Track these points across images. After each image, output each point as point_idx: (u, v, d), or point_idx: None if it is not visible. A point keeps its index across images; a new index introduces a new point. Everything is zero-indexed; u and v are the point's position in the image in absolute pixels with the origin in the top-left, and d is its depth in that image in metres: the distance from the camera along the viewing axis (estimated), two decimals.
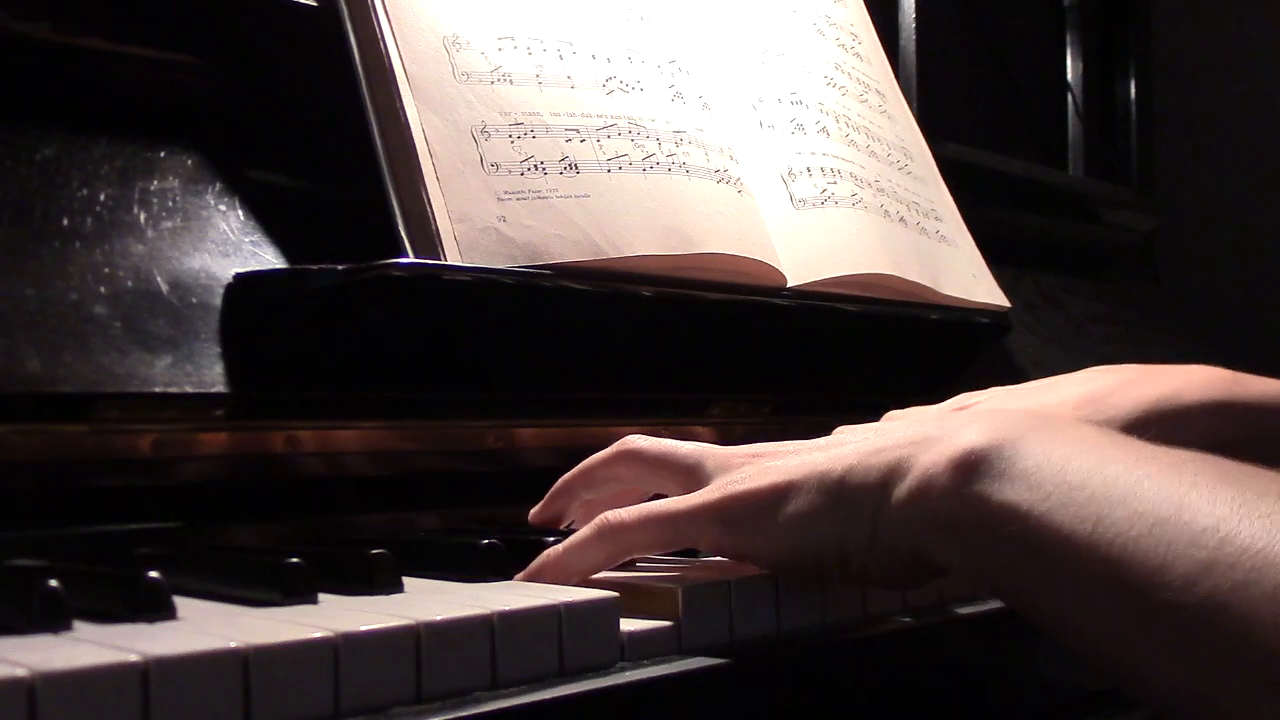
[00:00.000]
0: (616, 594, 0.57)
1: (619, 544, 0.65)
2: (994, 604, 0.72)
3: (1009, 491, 0.56)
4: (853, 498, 0.61)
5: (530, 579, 0.64)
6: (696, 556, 0.73)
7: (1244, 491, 0.52)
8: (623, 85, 0.90)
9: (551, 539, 0.67)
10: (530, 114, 0.84)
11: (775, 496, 0.62)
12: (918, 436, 0.61)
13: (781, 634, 0.64)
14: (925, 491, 0.58)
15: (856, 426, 0.69)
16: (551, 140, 0.84)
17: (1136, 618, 0.52)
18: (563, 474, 0.74)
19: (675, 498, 0.66)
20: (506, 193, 0.80)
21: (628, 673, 0.55)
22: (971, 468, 0.57)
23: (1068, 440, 0.58)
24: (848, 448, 0.63)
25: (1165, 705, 0.54)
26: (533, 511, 0.75)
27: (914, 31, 1.41)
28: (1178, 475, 0.54)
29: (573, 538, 0.66)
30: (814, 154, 1.04)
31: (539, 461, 0.90)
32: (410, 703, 0.49)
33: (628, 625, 0.57)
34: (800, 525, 0.62)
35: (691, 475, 0.67)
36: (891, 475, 0.60)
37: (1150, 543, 0.52)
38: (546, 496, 0.74)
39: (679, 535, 0.65)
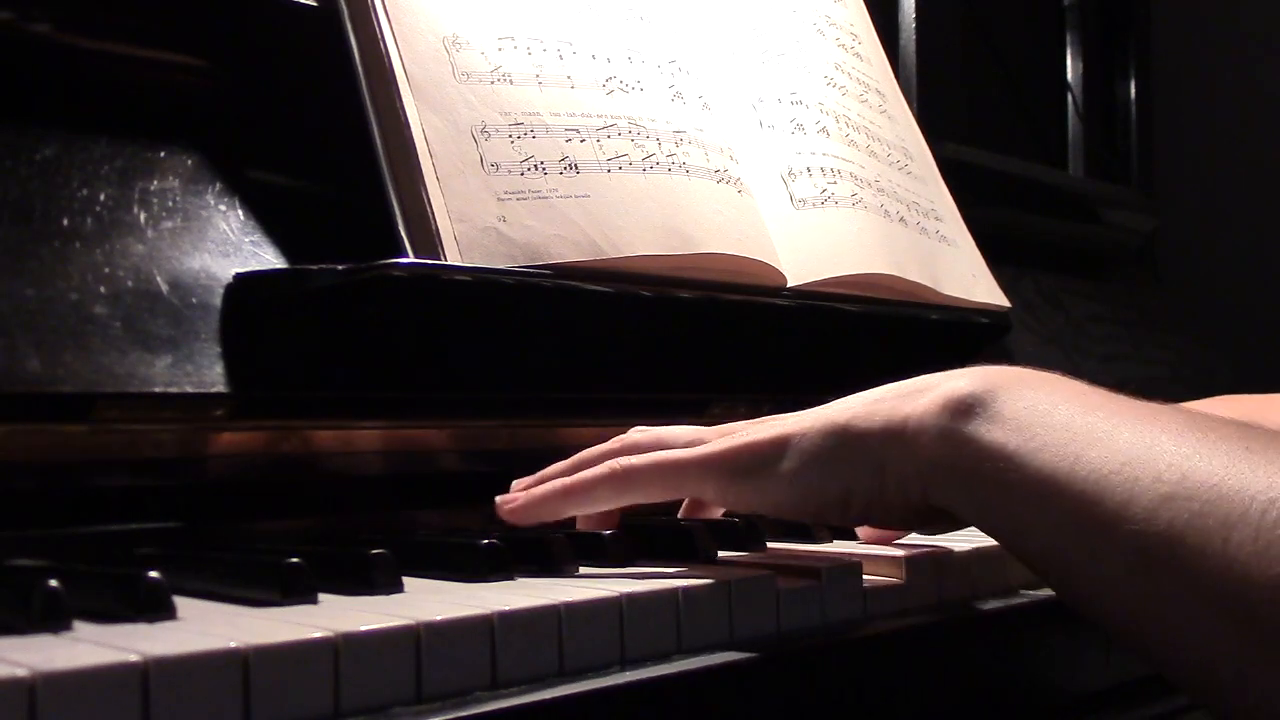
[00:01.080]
0: (618, 594, 0.57)
1: (628, 486, 0.68)
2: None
3: (997, 433, 0.60)
4: (858, 444, 0.65)
5: (529, 508, 0.67)
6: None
7: (1207, 435, 0.56)
8: (623, 85, 0.90)
9: (550, 538, 0.67)
10: (530, 114, 0.84)
11: (782, 445, 0.66)
12: (915, 386, 0.65)
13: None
14: (921, 434, 0.62)
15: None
16: (551, 140, 0.84)
17: (1105, 548, 0.56)
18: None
19: (686, 449, 0.68)
20: (506, 193, 0.80)
21: (627, 673, 0.55)
22: (964, 411, 0.61)
23: (1052, 390, 0.62)
24: (851, 399, 0.67)
25: (1131, 633, 0.57)
26: (516, 482, 0.75)
27: (914, 31, 1.42)
28: (1151, 422, 0.58)
29: (581, 475, 0.68)
30: (814, 154, 1.04)
31: (539, 461, 0.90)
32: (410, 703, 0.49)
33: (628, 625, 0.57)
34: (806, 471, 0.65)
35: (691, 445, 0.70)
36: (891, 421, 0.64)
37: (1119, 479, 0.56)
38: (535, 476, 0.74)
39: (686, 484, 0.68)
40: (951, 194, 1.19)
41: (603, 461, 0.72)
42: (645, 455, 0.68)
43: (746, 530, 0.75)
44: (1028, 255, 1.50)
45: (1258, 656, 0.51)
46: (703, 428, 0.72)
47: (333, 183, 0.84)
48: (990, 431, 0.61)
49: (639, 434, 0.73)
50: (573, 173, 0.84)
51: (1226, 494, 0.53)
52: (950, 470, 0.62)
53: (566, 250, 0.81)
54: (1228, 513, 0.52)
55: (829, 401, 0.69)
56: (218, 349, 0.72)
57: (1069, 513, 0.57)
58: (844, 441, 0.65)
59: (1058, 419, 0.59)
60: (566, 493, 0.69)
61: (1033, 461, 0.59)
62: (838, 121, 1.08)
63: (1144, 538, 0.54)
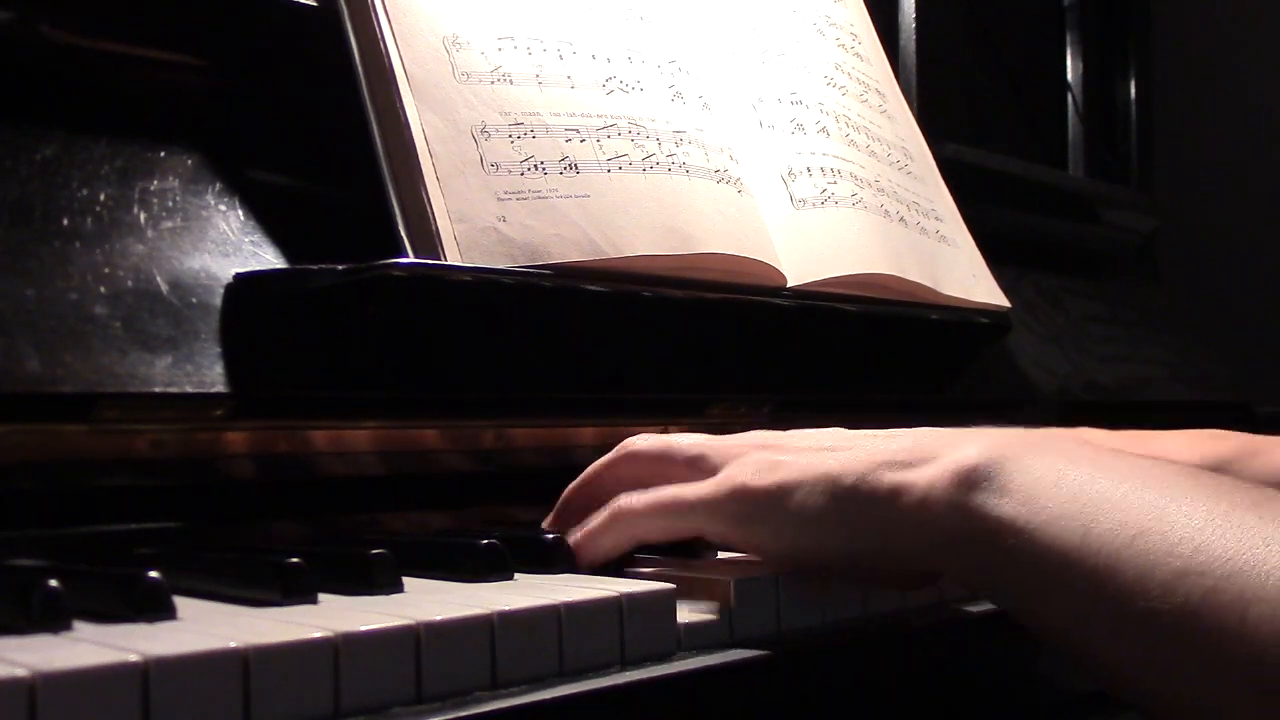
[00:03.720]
0: (618, 593, 0.57)
1: (630, 530, 0.67)
2: None
3: (1005, 505, 0.59)
4: (863, 506, 0.63)
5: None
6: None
7: (1219, 503, 0.55)
8: (623, 85, 0.90)
9: (550, 538, 0.67)
10: (530, 114, 0.84)
11: (784, 494, 0.64)
12: (923, 451, 0.63)
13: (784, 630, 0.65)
14: (928, 503, 0.61)
15: (853, 431, 0.70)
16: (551, 140, 0.84)
17: (1121, 624, 0.55)
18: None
19: (685, 484, 0.67)
20: (506, 193, 0.80)
21: (628, 672, 0.55)
22: (972, 483, 0.60)
23: (1060, 455, 0.60)
24: (857, 453, 0.65)
25: (1153, 709, 0.56)
26: (544, 524, 0.75)
27: (914, 31, 1.41)
28: (1160, 488, 0.57)
29: (587, 524, 0.68)
30: (814, 154, 1.04)
31: (539, 461, 0.90)
32: (410, 703, 0.49)
33: (628, 624, 0.57)
34: (809, 525, 0.64)
35: (694, 467, 0.68)
36: (899, 487, 0.62)
37: (1132, 553, 0.55)
38: (554, 511, 0.75)
39: (687, 523, 0.67)
40: (951, 194, 1.19)
41: (608, 470, 0.72)
42: (645, 495, 0.67)
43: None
44: (1028, 255, 1.50)
45: None
46: (706, 437, 0.70)
47: (333, 183, 0.84)
48: (999, 505, 0.59)
49: (642, 441, 0.72)
50: (573, 173, 0.84)
51: (1242, 568, 0.52)
52: (960, 544, 0.61)
53: (566, 250, 0.81)
54: (1243, 588, 0.52)
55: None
56: (218, 349, 0.72)
57: (1082, 589, 0.56)
58: (849, 504, 0.63)
59: (1066, 489, 0.58)
60: (577, 548, 0.68)
61: (1043, 536, 0.58)
62: (838, 121, 1.08)
63: (1160, 615, 0.53)
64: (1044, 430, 0.64)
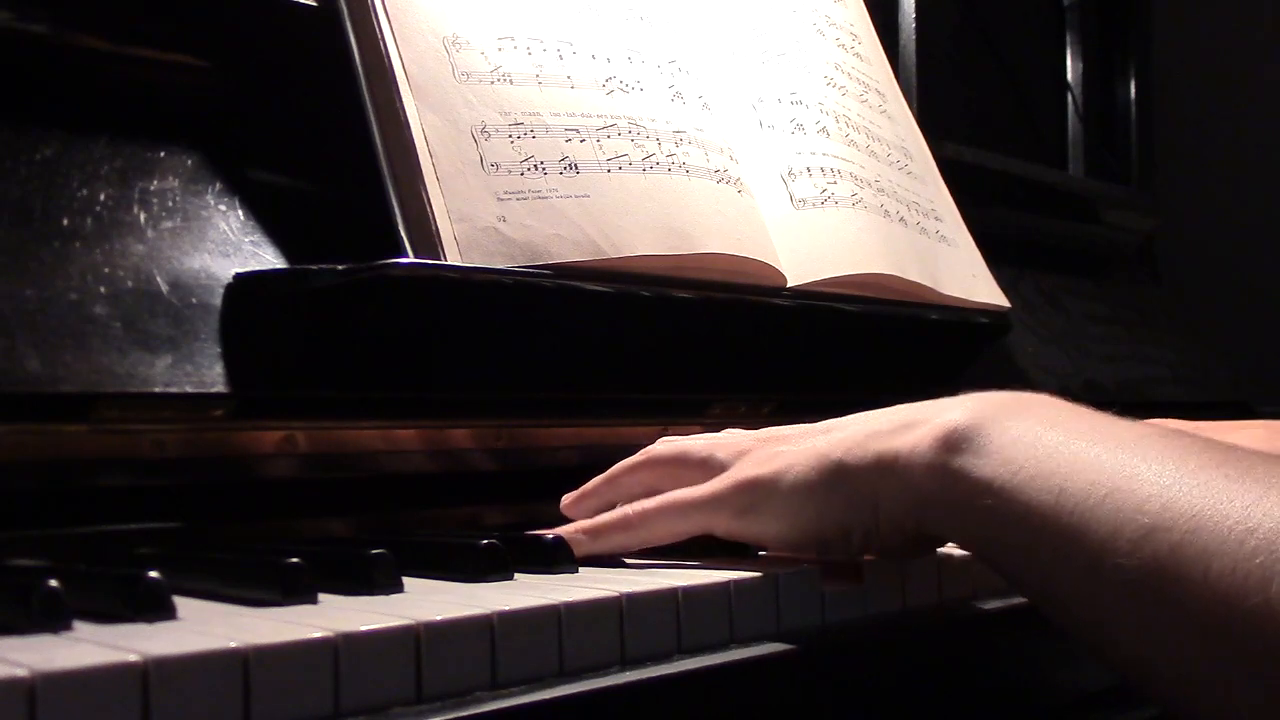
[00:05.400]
0: (618, 594, 0.57)
1: (641, 532, 0.70)
2: None
3: (985, 466, 0.61)
4: (853, 480, 0.65)
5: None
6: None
7: (1188, 462, 0.56)
8: (623, 85, 0.90)
9: (550, 537, 0.67)
10: (530, 114, 0.84)
11: (778, 480, 0.67)
12: (907, 419, 0.65)
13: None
14: (913, 468, 0.63)
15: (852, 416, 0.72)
16: (551, 140, 0.84)
17: (1093, 581, 0.56)
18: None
19: (691, 487, 0.70)
20: (506, 193, 0.80)
21: (628, 672, 0.55)
22: (954, 445, 0.62)
23: (1037, 418, 0.62)
24: (846, 431, 0.67)
25: (1128, 668, 0.58)
26: (564, 504, 0.77)
27: (914, 31, 1.41)
28: (1134, 448, 0.58)
29: (596, 523, 0.70)
30: (814, 154, 1.04)
31: (539, 461, 0.90)
32: (410, 703, 0.49)
33: (628, 624, 0.57)
34: (803, 504, 0.66)
35: (705, 467, 0.71)
36: (883, 457, 0.64)
37: (1104, 511, 0.56)
38: (576, 495, 0.77)
39: (691, 522, 0.69)
40: (951, 194, 1.19)
41: (630, 473, 0.74)
42: (655, 499, 0.70)
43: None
44: (1028, 255, 1.50)
45: (1243, 682, 0.52)
46: (715, 437, 0.73)
47: (333, 183, 0.84)
48: (979, 466, 0.61)
49: (663, 445, 0.75)
50: (573, 173, 0.84)
51: (1205, 524, 0.53)
52: (943, 505, 0.63)
53: (566, 250, 0.81)
54: (1206, 543, 0.53)
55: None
56: (218, 349, 0.72)
57: (1057, 546, 0.58)
58: (837, 478, 0.66)
59: (1043, 448, 0.60)
60: (593, 537, 0.70)
61: (1019, 495, 0.59)
62: (838, 121, 1.08)
63: (1129, 571, 0.55)
64: (1027, 394, 0.66)
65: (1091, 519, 0.56)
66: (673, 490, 0.72)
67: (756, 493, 0.67)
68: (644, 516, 0.70)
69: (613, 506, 0.74)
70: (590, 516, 0.74)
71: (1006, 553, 0.62)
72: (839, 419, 0.70)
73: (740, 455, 0.70)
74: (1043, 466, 0.59)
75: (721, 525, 0.69)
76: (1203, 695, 0.54)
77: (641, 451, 0.75)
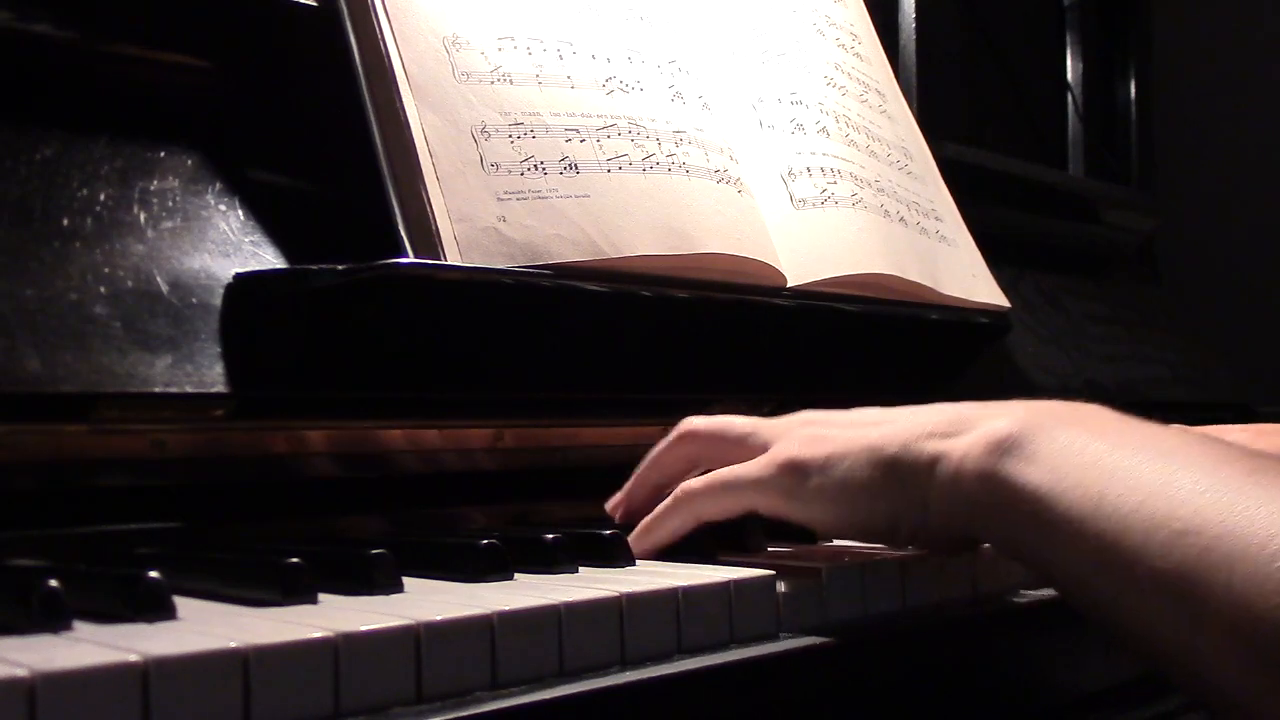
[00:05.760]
0: (618, 594, 0.57)
1: (691, 510, 0.71)
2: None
3: (1032, 473, 0.62)
4: (905, 476, 0.67)
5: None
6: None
7: (1220, 469, 0.58)
8: (623, 85, 0.90)
9: (550, 537, 0.67)
10: (530, 114, 0.84)
11: (829, 467, 0.69)
12: (957, 419, 0.67)
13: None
14: (962, 470, 0.65)
15: (892, 409, 0.73)
16: (551, 140, 0.84)
17: (1128, 584, 0.58)
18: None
19: (739, 465, 0.71)
20: (506, 193, 0.80)
21: (628, 672, 0.55)
22: (1003, 450, 0.64)
23: (1084, 428, 0.64)
24: (898, 426, 0.69)
25: (1160, 665, 0.60)
26: (610, 504, 0.79)
27: (914, 31, 1.42)
28: (1171, 456, 0.60)
29: (656, 510, 0.72)
30: (814, 154, 1.04)
31: (539, 461, 0.90)
32: (410, 703, 0.49)
33: (628, 624, 0.57)
34: (855, 495, 0.68)
35: (745, 444, 0.73)
36: (937, 457, 0.66)
37: (1139, 517, 0.58)
38: (624, 490, 0.78)
39: (741, 500, 0.71)
40: (951, 194, 1.19)
41: (670, 450, 0.76)
42: (704, 478, 0.72)
43: (741, 533, 0.76)
44: (1028, 255, 1.50)
45: (1266, 685, 0.53)
46: (758, 420, 0.74)
47: (333, 183, 0.84)
48: (1026, 472, 0.63)
49: (700, 421, 0.76)
50: (573, 173, 0.84)
51: (1231, 529, 0.55)
52: (989, 509, 0.64)
53: (566, 250, 0.81)
54: (1231, 548, 0.54)
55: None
56: (218, 349, 0.72)
57: (1094, 550, 0.59)
58: (892, 474, 0.67)
59: (1087, 457, 0.62)
60: (647, 530, 0.72)
61: (1062, 501, 0.61)
62: (838, 121, 1.08)
63: (1160, 575, 0.57)
64: (1075, 404, 0.68)
65: (1128, 524, 0.58)
66: (716, 467, 0.73)
67: (807, 476, 0.69)
68: (692, 495, 0.71)
69: (659, 489, 0.75)
70: (639, 505, 0.76)
71: (1045, 555, 0.63)
72: (882, 410, 0.72)
73: (782, 435, 0.71)
74: (1086, 475, 0.61)
75: (768, 505, 0.70)
76: (1239, 698, 0.55)
77: (677, 427, 0.77)
